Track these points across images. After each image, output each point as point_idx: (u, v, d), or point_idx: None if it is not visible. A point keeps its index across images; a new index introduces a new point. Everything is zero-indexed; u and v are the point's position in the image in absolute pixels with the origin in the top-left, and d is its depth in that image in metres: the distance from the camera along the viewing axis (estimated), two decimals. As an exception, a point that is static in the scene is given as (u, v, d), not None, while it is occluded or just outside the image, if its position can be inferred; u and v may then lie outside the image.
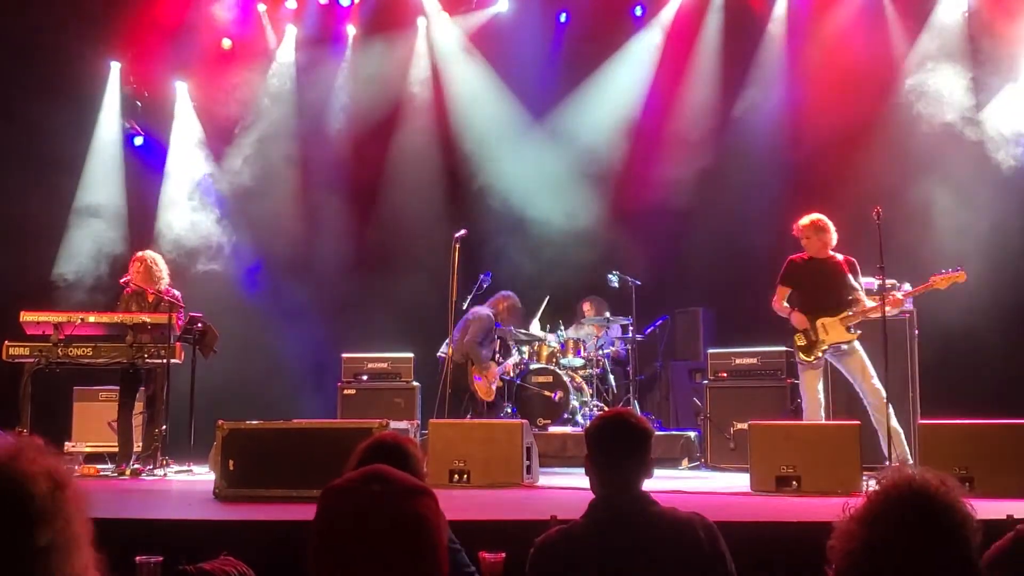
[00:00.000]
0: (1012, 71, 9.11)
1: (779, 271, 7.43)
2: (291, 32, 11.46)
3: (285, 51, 11.47)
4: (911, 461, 6.47)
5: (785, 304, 7.33)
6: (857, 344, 7.11)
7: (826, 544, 2.03)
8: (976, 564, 1.95)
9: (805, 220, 7.32)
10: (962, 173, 8.97)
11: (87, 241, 10.46)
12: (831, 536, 2.02)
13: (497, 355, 9.53)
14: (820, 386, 7.22)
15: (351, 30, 11.49)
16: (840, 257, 7.29)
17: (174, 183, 11.17)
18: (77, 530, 1.70)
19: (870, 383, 6.96)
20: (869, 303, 7.06)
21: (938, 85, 9.24)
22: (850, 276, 7.23)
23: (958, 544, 1.91)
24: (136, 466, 7.70)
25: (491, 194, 10.76)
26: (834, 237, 7.26)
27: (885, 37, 9.87)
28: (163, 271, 8.17)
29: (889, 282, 7.09)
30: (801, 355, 7.26)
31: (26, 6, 9.92)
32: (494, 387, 9.27)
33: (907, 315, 7.80)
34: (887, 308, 6.82)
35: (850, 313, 7.08)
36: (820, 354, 7.14)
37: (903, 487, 1.95)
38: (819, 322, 7.14)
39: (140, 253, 8.30)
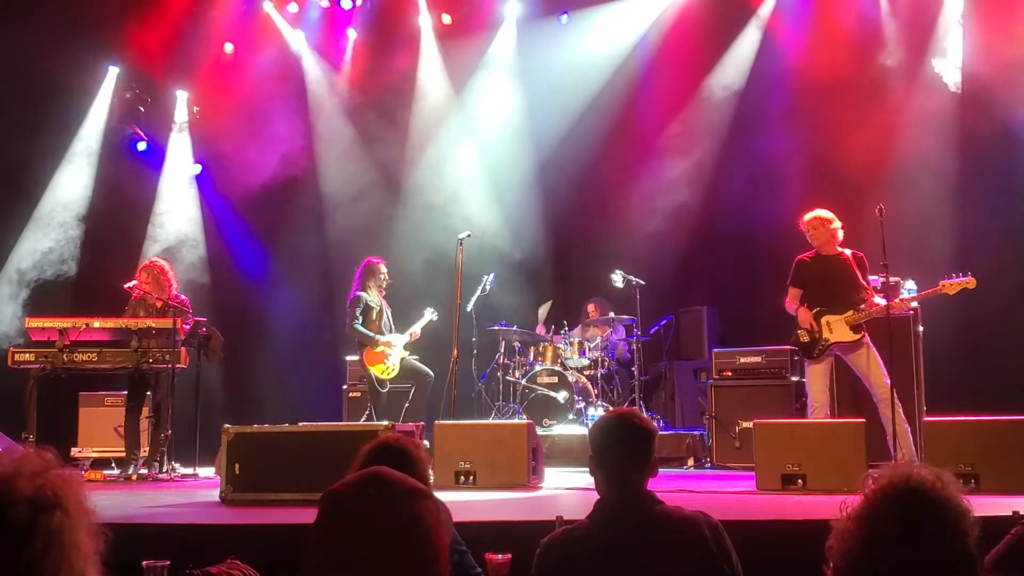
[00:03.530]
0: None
1: (784, 269, 7.43)
2: (299, 35, 11.50)
3: (293, 52, 11.50)
4: (916, 460, 6.45)
5: (798, 303, 7.30)
6: (866, 339, 7.07)
7: (827, 544, 2.03)
8: (974, 559, 1.95)
9: (808, 215, 7.32)
10: (969, 166, 8.96)
11: (53, 242, 10.49)
12: (829, 536, 2.02)
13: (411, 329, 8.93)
14: (826, 382, 7.17)
15: (352, 34, 11.51)
16: (848, 253, 7.25)
17: (175, 186, 11.22)
18: (70, 556, 1.62)
19: (878, 378, 6.93)
20: (879, 301, 7.00)
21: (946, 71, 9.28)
22: (859, 274, 7.19)
23: (956, 539, 1.92)
24: (142, 470, 7.73)
25: (493, 195, 10.77)
26: (839, 232, 7.24)
27: (879, 24, 9.87)
28: (171, 278, 8.19)
29: (893, 279, 7.09)
30: (802, 353, 7.27)
31: (29, 6, 9.95)
32: (391, 363, 8.72)
33: (911, 312, 7.77)
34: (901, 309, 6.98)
35: (855, 313, 7.05)
36: (819, 352, 7.12)
37: (899, 484, 1.95)
38: (824, 320, 7.11)
39: (149, 261, 8.31)
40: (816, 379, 7.16)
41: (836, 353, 7.17)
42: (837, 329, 7.08)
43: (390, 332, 8.83)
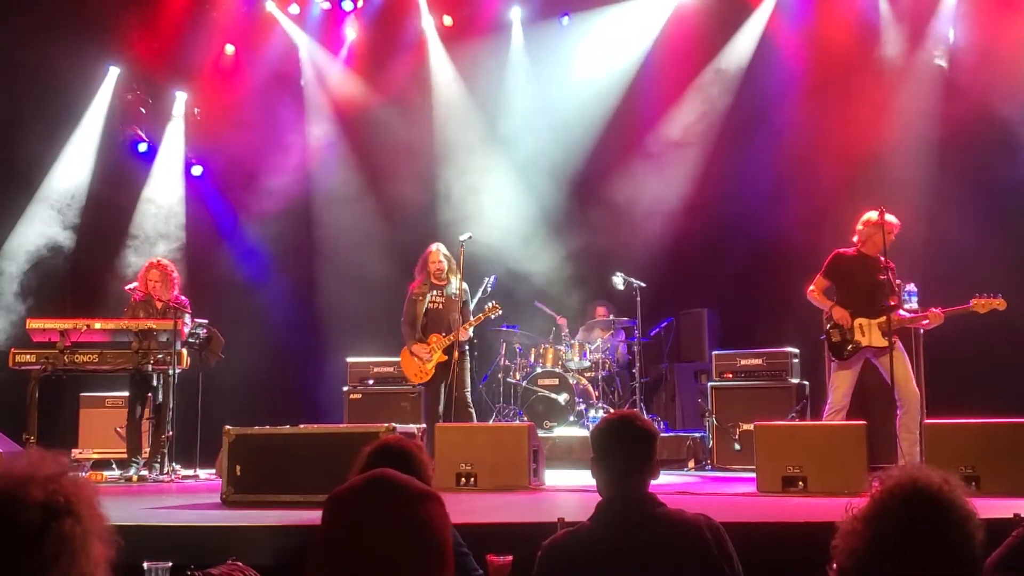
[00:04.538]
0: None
1: (784, 271, 7.42)
2: (300, 36, 11.50)
3: (294, 53, 11.51)
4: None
5: (823, 296, 7.19)
6: (898, 344, 6.96)
7: (832, 544, 2.03)
8: (979, 562, 1.95)
9: (889, 216, 7.01)
10: (971, 167, 8.96)
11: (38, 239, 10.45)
12: (835, 536, 2.02)
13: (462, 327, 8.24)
14: (850, 388, 7.04)
15: (351, 34, 11.51)
16: (882, 259, 7.09)
17: (175, 187, 11.23)
18: (80, 562, 1.61)
19: (910, 385, 6.85)
20: (904, 313, 6.93)
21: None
22: (893, 281, 7.05)
23: (961, 542, 1.92)
24: (143, 472, 7.74)
25: (494, 196, 10.76)
26: (891, 237, 7.04)
27: (877, 25, 9.86)
28: (176, 279, 8.21)
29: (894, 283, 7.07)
30: (830, 352, 7.13)
31: (28, 6, 9.95)
32: (428, 365, 8.27)
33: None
34: (926, 321, 6.92)
35: (887, 320, 6.86)
36: (848, 353, 7.03)
37: (906, 485, 1.96)
38: (857, 322, 7.01)
39: (156, 260, 8.31)
40: (842, 383, 7.05)
41: (867, 356, 7.08)
42: (869, 333, 6.97)
43: (445, 329, 8.27)
